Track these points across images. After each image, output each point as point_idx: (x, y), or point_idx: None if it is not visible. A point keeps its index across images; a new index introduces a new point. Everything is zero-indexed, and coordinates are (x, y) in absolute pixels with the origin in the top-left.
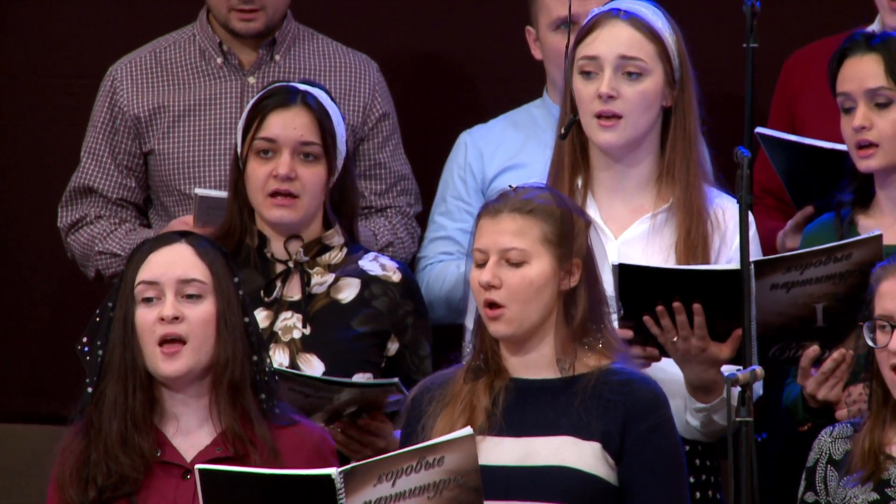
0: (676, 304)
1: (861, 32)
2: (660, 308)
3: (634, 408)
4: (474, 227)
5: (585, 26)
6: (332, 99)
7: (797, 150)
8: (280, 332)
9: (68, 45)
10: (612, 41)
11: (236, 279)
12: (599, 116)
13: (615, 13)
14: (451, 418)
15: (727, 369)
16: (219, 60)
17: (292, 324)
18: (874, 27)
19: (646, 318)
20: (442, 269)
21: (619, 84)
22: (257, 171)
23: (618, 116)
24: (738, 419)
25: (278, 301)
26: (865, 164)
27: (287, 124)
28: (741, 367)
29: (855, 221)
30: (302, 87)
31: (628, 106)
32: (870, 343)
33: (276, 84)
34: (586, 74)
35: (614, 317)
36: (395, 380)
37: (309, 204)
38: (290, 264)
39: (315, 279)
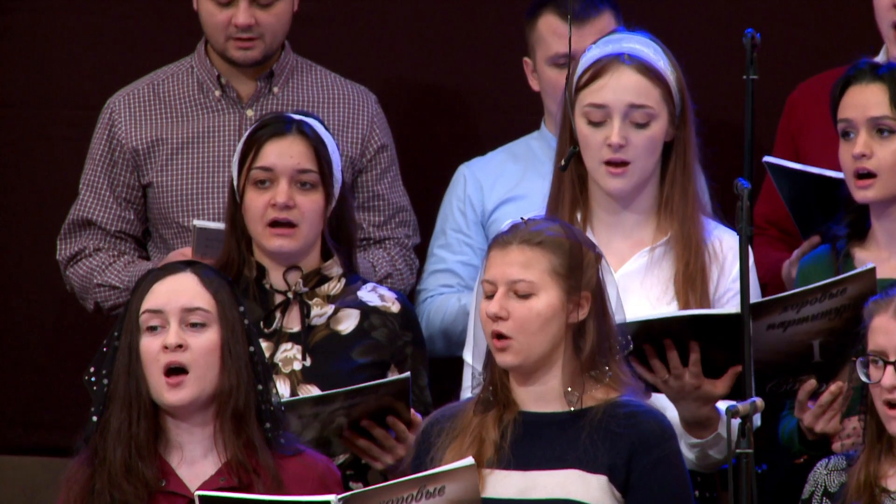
0: (667, 342)
1: (867, 61)
2: (648, 347)
3: (641, 440)
4: (484, 259)
5: (590, 70)
6: (327, 129)
7: (803, 179)
8: (280, 364)
9: (67, 77)
10: (620, 90)
11: (241, 308)
12: (608, 163)
13: (621, 58)
14: (460, 451)
15: (723, 404)
16: (217, 93)
17: (293, 355)
18: (879, 59)
19: (632, 360)
20: (442, 301)
21: (628, 132)
22: (255, 202)
23: (626, 163)
24: (738, 451)
25: (278, 332)
26: (863, 194)
27: (283, 153)
28: (734, 403)
29: (851, 254)
30: (296, 116)
31: (636, 152)
32: (863, 378)
33: (270, 115)
34: (594, 122)
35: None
36: (407, 374)
37: (308, 232)
38: (290, 295)
39: (314, 310)
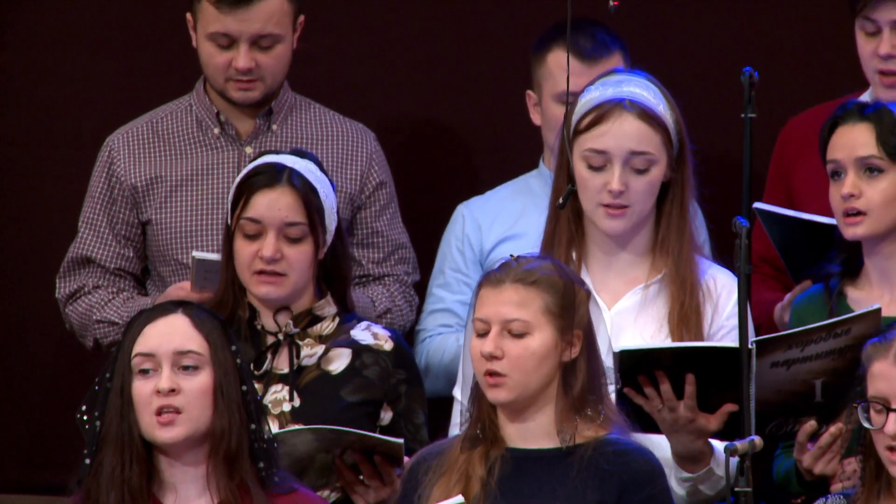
0: (659, 373)
1: (854, 101)
2: (642, 378)
3: (630, 478)
4: (475, 297)
5: (591, 115)
6: (323, 169)
7: (792, 224)
8: (270, 405)
9: (67, 116)
10: (621, 136)
11: (234, 347)
12: (607, 206)
13: (623, 105)
14: (447, 487)
15: (721, 444)
16: (216, 130)
17: (282, 396)
18: (866, 97)
19: (627, 390)
20: (441, 341)
21: (628, 178)
22: (244, 251)
23: (625, 206)
24: (737, 489)
25: (268, 374)
26: (852, 231)
27: (272, 205)
28: (730, 442)
29: (844, 293)
30: (289, 163)
31: (636, 196)
32: (865, 424)
33: (263, 160)
34: (593, 166)
35: (611, 388)
36: (401, 440)
37: (296, 281)
38: (280, 336)
39: (305, 351)
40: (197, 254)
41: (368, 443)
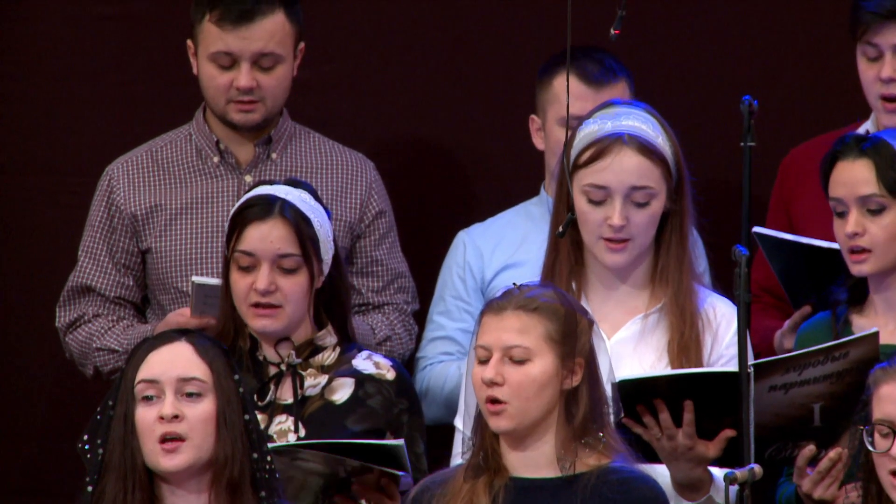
0: (658, 402)
1: (852, 135)
2: (640, 407)
3: None
4: (477, 324)
5: (591, 149)
6: (318, 197)
7: (794, 249)
8: (275, 436)
9: (66, 145)
10: (622, 172)
11: (236, 377)
12: (608, 240)
13: (622, 139)
14: None
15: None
16: (215, 159)
17: (287, 427)
18: (868, 124)
19: (625, 420)
20: (442, 369)
21: (629, 212)
22: (239, 283)
23: (626, 240)
24: None
25: (272, 404)
26: (858, 268)
27: (264, 237)
28: (732, 470)
29: (850, 321)
30: (282, 193)
31: (636, 230)
32: (869, 447)
33: (256, 192)
34: (594, 201)
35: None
36: (401, 441)
37: (293, 312)
38: (283, 367)
39: (308, 381)
40: (196, 279)
41: (370, 450)
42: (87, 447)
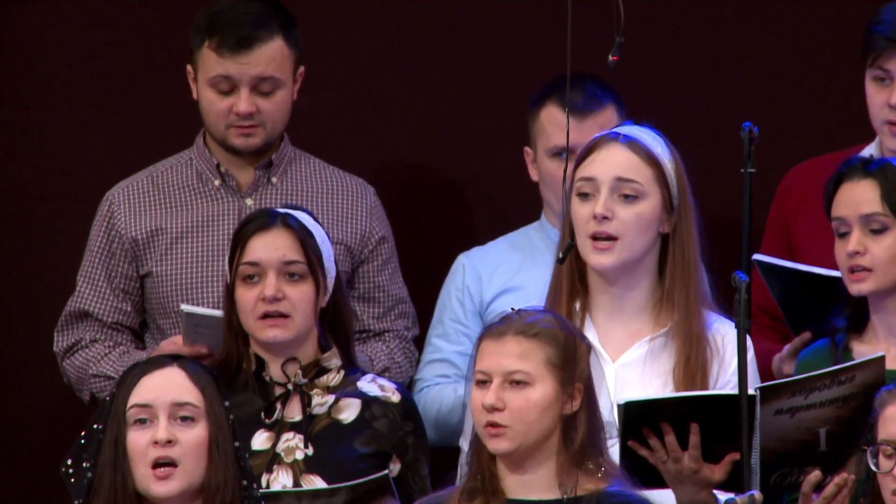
0: (664, 424)
1: (858, 157)
2: (646, 429)
3: None
4: (475, 349)
5: (584, 149)
6: (317, 220)
7: (793, 276)
8: (283, 454)
9: (66, 171)
10: (609, 163)
11: (227, 403)
12: (595, 238)
13: (614, 136)
14: None
15: (723, 495)
16: (216, 182)
17: (294, 444)
18: (871, 148)
19: (631, 442)
20: (438, 392)
21: (615, 205)
22: (245, 297)
23: (612, 238)
24: None
25: (279, 422)
26: (857, 287)
27: (268, 246)
28: (734, 494)
29: (850, 347)
30: (282, 210)
31: (623, 227)
32: (872, 467)
33: (256, 210)
34: (583, 196)
35: (611, 442)
36: (386, 472)
37: (301, 323)
38: (289, 387)
39: (315, 399)
40: (186, 308)
41: (360, 490)
42: (71, 471)
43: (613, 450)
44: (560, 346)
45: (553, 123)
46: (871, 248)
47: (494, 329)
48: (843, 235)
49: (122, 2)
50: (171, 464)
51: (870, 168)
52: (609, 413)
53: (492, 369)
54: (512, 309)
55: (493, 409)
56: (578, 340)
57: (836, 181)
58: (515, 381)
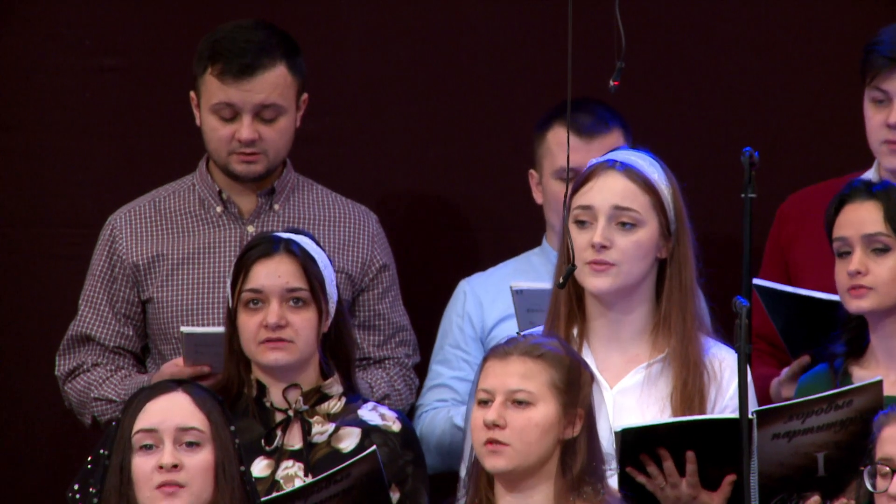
0: (662, 451)
1: (860, 180)
2: (644, 456)
3: None
4: (479, 370)
5: (582, 176)
6: (320, 245)
7: (792, 300)
8: (282, 481)
9: (67, 196)
10: (606, 191)
11: (232, 427)
12: (592, 263)
13: (611, 164)
14: None
15: None
16: (218, 209)
17: (294, 472)
18: (870, 173)
19: (629, 469)
20: (433, 416)
21: (613, 234)
22: (248, 323)
23: (610, 265)
24: None
25: (279, 450)
26: (857, 304)
27: (271, 273)
28: None
29: (849, 372)
30: (285, 235)
31: (621, 255)
32: (870, 488)
33: (259, 236)
34: (581, 223)
35: (609, 472)
36: (374, 449)
37: (303, 348)
38: (290, 413)
39: (315, 428)
40: (185, 329)
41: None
42: (77, 496)
43: (612, 480)
44: (564, 370)
45: (560, 145)
46: (873, 268)
47: (500, 349)
48: (844, 255)
49: (125, 28)
50: (178, 485)
51: (873, 189)
52: (609, 444)
53: (495, 388)
54: (517, 332)
55: (493, 426)
56: (583, 367)
57: (839, 203)
58: (518, 401)
